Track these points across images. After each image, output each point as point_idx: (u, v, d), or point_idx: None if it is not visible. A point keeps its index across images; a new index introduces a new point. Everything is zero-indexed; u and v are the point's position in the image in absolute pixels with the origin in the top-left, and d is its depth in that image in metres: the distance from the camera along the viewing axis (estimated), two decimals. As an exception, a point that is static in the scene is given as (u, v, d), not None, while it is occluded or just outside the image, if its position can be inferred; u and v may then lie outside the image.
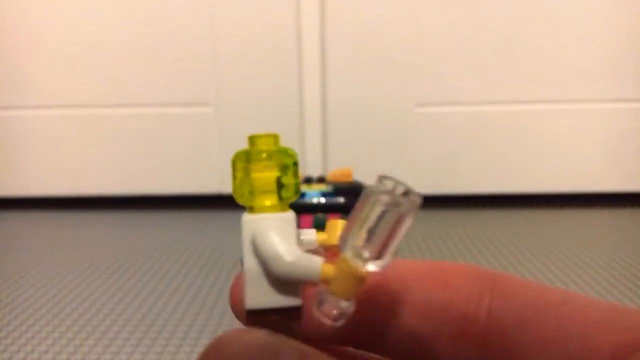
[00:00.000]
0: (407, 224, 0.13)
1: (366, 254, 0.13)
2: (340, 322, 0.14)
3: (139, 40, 0.92)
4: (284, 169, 0.15)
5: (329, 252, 0.15)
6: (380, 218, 0.13)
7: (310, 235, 0.15)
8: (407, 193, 0.13)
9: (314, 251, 0.14)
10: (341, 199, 0.58)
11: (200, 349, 0.51)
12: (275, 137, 0.15)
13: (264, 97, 0.93)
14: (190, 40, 0.92)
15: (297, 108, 0.93)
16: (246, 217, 0.14)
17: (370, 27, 0.91)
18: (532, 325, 0.13)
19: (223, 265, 0.71)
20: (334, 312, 0.14)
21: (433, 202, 0.96)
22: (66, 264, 0.72)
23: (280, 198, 0.15)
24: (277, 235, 0.14)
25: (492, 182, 0.95)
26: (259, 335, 0.12)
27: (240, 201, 0.15)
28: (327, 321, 0.14)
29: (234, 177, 0.15)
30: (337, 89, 0.93)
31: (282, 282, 0.14)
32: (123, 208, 0.99)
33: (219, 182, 0.96)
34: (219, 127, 0.94)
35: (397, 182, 0.13)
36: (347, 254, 0.13)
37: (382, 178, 0.13)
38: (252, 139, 0.15)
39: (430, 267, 0.15)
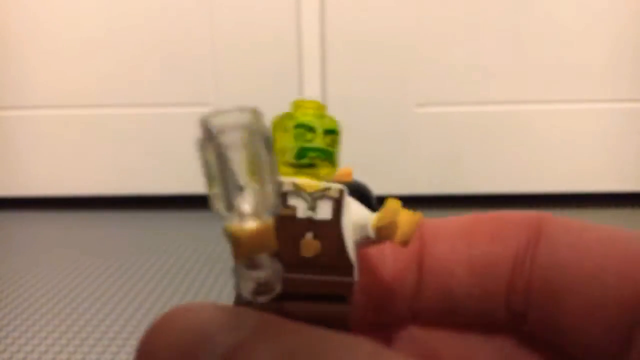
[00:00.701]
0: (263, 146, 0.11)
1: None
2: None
3: (138, 40, 0.92)
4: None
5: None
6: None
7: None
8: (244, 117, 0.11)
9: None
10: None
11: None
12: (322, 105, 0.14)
13: (264, 97, 0.93)
14: (190, 40, 0.92)
15: (297, 108, 0.93)
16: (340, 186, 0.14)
17: (370, 27, 0.91)
18: (571, 266, 0.14)
19: (223, 265, 0.71)
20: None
21: (433, 202, 0.96)
22: (66, 264, 0.72)
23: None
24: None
25: (492, 182, 0.95)
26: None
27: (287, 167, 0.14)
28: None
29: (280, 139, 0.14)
30: (337, 88, 0.93)
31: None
32: (123, 208, 0.99)
33: (219, 182, 0.96)
34: (219, 127, 0.94)
35: (228, 111, 0.11)
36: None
37: (211, 115, 0.11)
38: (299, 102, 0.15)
39: (476, 221, 0.15)
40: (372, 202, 0.65)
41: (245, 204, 0.11)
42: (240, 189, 0.11)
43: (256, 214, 0.11)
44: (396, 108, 0.93)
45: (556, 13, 0.89)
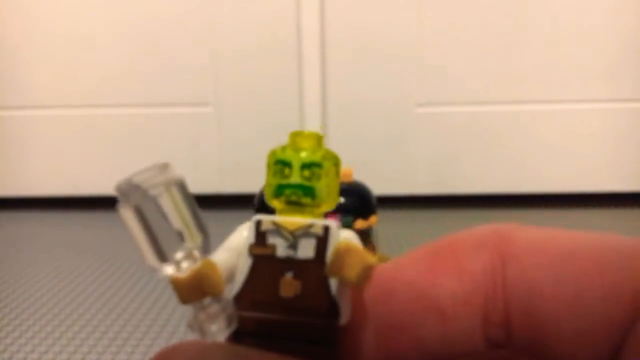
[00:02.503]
0: (177, 197, 0.12)
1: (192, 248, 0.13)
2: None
3: (138, 40, 0.92)
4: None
5: None
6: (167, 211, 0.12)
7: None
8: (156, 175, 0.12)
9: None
10: (341, 199, 0.58)
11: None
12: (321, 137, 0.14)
13: (264, 96, 0.93)
14: (190, 40, 0.92)
15: (297, 108, 0.93)
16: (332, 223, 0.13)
17: (370, 27, 0.91)
18: (547, 290, 0.13)
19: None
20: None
21: (433, 202, 0.96)
22: (66, 264, 0.72)
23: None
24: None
25: (492, 182, 0.95)
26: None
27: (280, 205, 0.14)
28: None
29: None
30: (337, 89, 0.93)
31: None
32: (123, 208, 0.99)
33: (219, 182, 0.96)
34: (218, 127, 0.94)
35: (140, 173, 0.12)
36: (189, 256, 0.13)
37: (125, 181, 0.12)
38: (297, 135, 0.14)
39: (428, 256, 0.14)
40: (372, 202, 0.65)
41: (179, 252, 0.12)
42: (175, 237, 0.12)
43: (192, 259, 0.12)
44: (396, 108, 0.93)
45: (557, 13, 0.89)
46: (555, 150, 0.93)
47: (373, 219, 0.64)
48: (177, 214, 0.12)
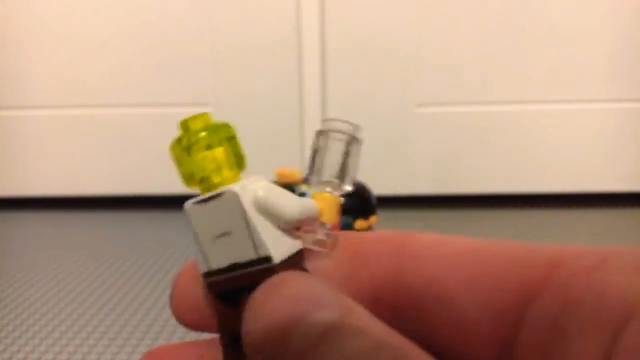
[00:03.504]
0: (356, 152, 0.16)
1: (333, 183, 0.16)
2: (335, 247, 0.15)
3: (138, 40, 0.92)
4: (230, 140, 0.16)
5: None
6: (337, 152, 0.16)
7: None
8: (350, 128, 0.16)
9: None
10: (341, 199, 0.57)
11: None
12: (207, 115, 0.16)
13: (264, 96, 0.93)
14: (189, 40, 0.92)
15: (297, 108, 0.93)
16: (235, 188, 0.14)
17: (370, 27, 0.91)
18: (437, 279, 0.13)
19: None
20: (329, 240, 0.15)
21: (433, 202, 0.96)
22: (66, 264, 0.72)
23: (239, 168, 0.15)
24: (278, 188, 0.15)
25: (492, 182, 0.95)
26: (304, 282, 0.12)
27: (199, 185, 0.15)
28: (325, 249, 0.15)
29: (180, 164, 0.16)
30: (337, 88, 0.93)
31: (287, 230, 0.15)
32: (123, 208, 0.99)
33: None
34: (219, 127, 0.94)
35: (342, 121, 0.16)
36: (321, 187, 0.16)
37: (328, 120, 0.16)
38: (184, 123, 0.16)
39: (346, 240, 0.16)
40: (372, 202, 0.65)
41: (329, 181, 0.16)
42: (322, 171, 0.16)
43: (343, 187, 0.16)
44: (396, 108, 0.93)
45: (556, 14, 0.89)
46: (555, 150, 0.93)
47: (373, 219, 0.64)
48: (350, 162, 0.16)
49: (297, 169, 0.66)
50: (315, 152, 0.16)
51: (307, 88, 0.92)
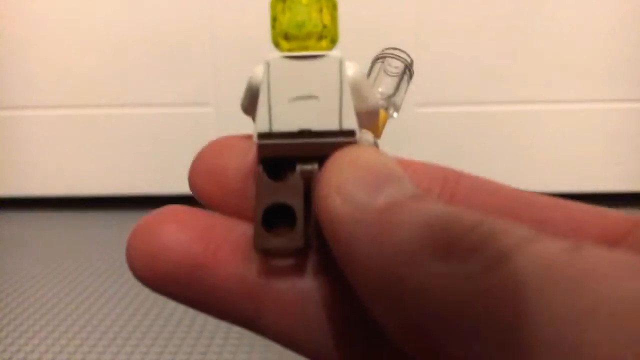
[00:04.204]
0: (407, 83, 0.17)
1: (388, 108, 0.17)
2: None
3: (138, 40, 0.92)
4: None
5: None
6: (390, 79, 0.17)
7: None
8: (408, 58, 0.17)
9: None
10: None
11: (199, 349, 0.51)
12: None
13: (264, 97, 0.93)
14: (190, 40, 0.92)
15: (297, 108, 0.93)
16: (338, 54, 0.14)
17: (369, 27, 0.91)
18: (486, 194, 0.14)
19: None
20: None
21: (433, 202, 0.96)
22: (66, 264, 0.72)
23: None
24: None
25: (492, 182, 0.95)
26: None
27: (294, 41, 0.15)
28: None
29: (288, 9, 0.14)
30: (337, 89, 0.93)
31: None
32: (123, 208, 0.99)
33: (219, 182, 0.96)
34: (218, 127, 0.94)
35: (401, 50, 0.17)
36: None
37: (388, 48, 0.17)
38: None
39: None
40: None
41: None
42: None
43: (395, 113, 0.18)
44: (396, 108, 0.93)
45: (556, 13, 0.89)
46: (556, 150, 0.93)
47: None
48: (403, 91, 0.18)
49: None
50: (369, 76, 0.16)
51: (307, 88, 0.92)
